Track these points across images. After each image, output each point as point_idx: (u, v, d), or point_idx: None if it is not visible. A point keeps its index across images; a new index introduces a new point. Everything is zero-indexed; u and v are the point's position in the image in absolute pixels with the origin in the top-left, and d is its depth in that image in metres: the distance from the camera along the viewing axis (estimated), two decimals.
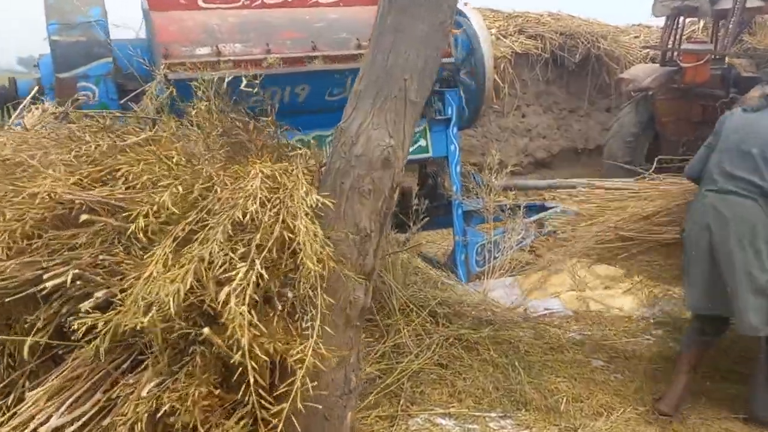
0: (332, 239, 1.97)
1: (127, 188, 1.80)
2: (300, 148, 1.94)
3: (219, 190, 1.62)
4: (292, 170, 1.77)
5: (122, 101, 3.52)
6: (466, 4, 6.02)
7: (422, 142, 4.60)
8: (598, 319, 4.64)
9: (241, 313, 1.34)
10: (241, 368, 1.48)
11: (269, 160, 1.83)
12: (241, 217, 1.51)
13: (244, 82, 2.00)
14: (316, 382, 1.67)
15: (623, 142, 6.93)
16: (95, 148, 1.92)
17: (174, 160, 1.76)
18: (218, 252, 1.43)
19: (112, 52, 3.79)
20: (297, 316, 1.68)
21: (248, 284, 1.40)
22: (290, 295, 1.62)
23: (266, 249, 1.50)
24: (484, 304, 4.22)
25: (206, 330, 1.36)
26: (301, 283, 1.64)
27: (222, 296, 1.36)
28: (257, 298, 1.50)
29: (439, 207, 5.01)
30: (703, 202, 3.00)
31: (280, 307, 1.59)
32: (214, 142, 1.92)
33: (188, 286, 1.36)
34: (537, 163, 8.81)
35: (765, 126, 2.93)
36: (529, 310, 4.60)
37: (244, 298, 1.38)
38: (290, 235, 1.56)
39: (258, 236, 1.48)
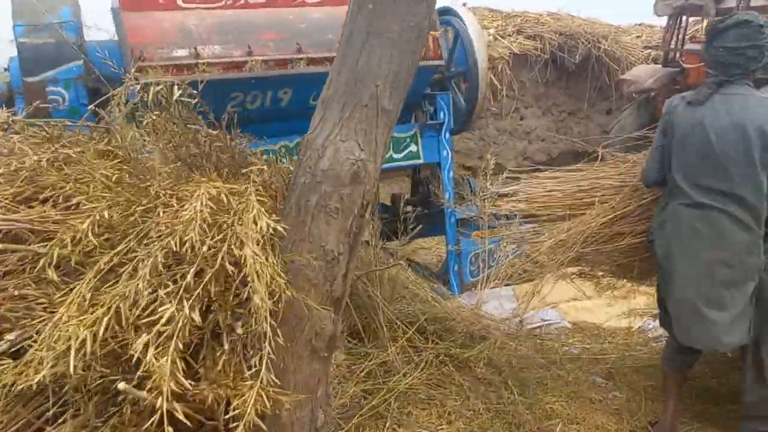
0: (295, 264, 1.78)
1: (66, 209, 1.61)
2: (257, 162, 1.74)
3: (161, 213, 1.43)
4: (244, 189, 1.57)
5: (89, 107, 3.33)
6: (464, 4, 5.84)
7: (413, 148, 4.41)
8: (597, 331, 4.46)
9: (162, 366, 1.15)
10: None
11: (221, 177, 1.63)
12: (177, 246, 1.31)
13: (177, 90, 1.79)
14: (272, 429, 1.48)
15: (624, 144, 6.72)
16: (34, 162, 1.72)
17: (114, 178, 1.57)
18: (144, 289, 1.23)
19: (84, 55, 3.61)
20: (250, 353, 1.48)
21: (177, 328, 1.21)
22: (239, 330, 1.43)
23: (203, 284, 1.30)
24: (476, 318, 4.03)
25: (121, 385, 1.17)
26: (253, 318, 1.44)
27: (139, 345, 1.16)
28: (193, 339, 1.31)
29: (433, 214, 4.83)
30: (678, 219, 2.65)
31: (227, 346, 1.40)
32: (169, 155, 1.73)
33: (105, 331, 1.17)
34: (536, 167, 8.59)
35: (722, 125, 2.50)
36: (525, 322, 4.41)
37: (171, 345, 1.19)
38: (233, 267, 1.37)
39: (192, 270, 1.29)
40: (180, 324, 1.25)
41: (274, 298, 1.56)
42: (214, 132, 1.72)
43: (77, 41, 3.63)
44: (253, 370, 1.45)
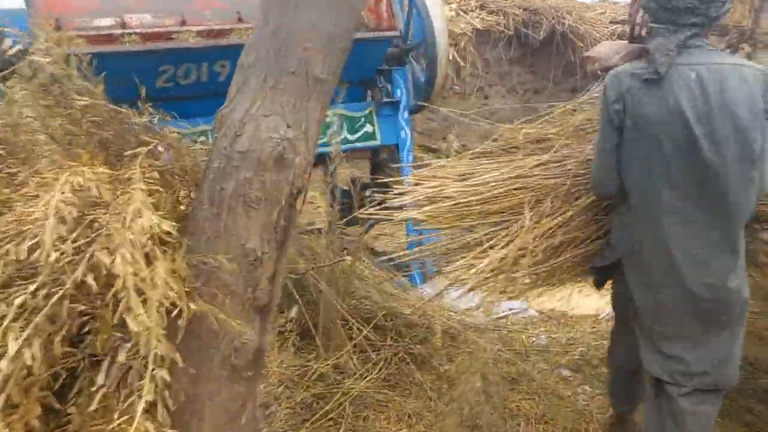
0: (207, 266, 1.45)
1: None
2: (154, 141, 1.40)
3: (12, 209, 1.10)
4: (130, 177, 1.24)
5: None
6: None
7: (369, 128, 4.09)
8: (564, 320, 4.24)
9: None
10: None
11: (98, 161, 1.30)
12: (24, 254, 0.99)
13: None
14: None
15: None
16: None
17: None
18: None
19: None
20: (139, 383, 1.16)
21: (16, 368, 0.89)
22: (122, 357, 1.11)
23: (64, 303, 0.98)
24: (439, 310, 3.77)
25: None
26: (142, 340, 1.12)
27: None
28: (60, 371, 1.00)
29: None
30: (661, 240, 1.97)
31: (101, 378, 1.08)
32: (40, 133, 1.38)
33: None
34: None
35: (705, 110, 1.85)
36: (490, 312, 4.18)
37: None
38: (97, 277, 1.05)
39: (33, 287, 0.96)
40: (30, 356, 0.93)
41: (174, 312, 1.24)
42: (100, 104, 1.38)
43: None
44: (143, 404, 1.13)
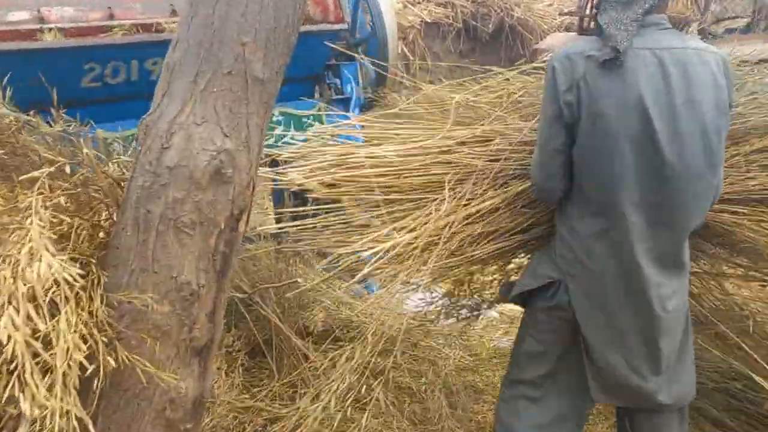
0: (131, 306, 1.22)
1: None
2: (60, 159, 1.15)
3: None
4: (27, 205, 1.00)
5: None
6: None
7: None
8: None
9: None
10: None
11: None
12: None
13: None
14: None
15: None
16: None
17: None
18: None
19: None
20: None
21: None
22: (23, 430, 0.88)
23: None
24: (397, 317, 3.59)
25: None
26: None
27: None
28: None
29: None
30: (613, 256, 1.72)
31: None
32: None
33: None
34: None
35: (668, 102, 1.61)
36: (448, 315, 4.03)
37: None
38: None
39: None
40: None
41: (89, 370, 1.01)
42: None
43: None
44: None
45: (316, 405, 2.78)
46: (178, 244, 1.27)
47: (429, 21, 7.38)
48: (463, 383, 3.12)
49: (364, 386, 2.96)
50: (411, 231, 1.83)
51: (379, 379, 3.04)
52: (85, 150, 1.16)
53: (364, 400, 2.94)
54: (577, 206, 1.76)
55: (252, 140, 1.37)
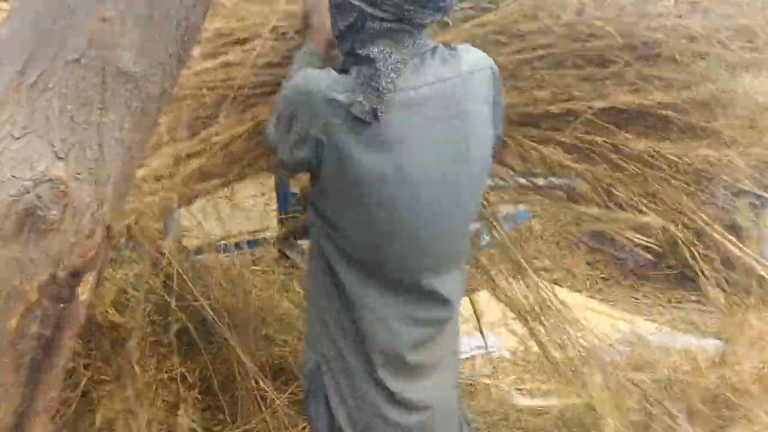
0: None
1: None
2: None
3: None
4: None
5: None
6: None
7: None
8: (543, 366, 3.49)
9: None
10: None
11: None
12: None
13: None
14: None
15: None
16: None
17: None
18: None
19: None
20: None
21: None
22: None
23: None
24: None
25: None
26: None
27: None
28: None
29: None
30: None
31: None
32: None
33: None
34: None
35: (428, 166, 1.22)
36: None
37: None
38: None
39: None
40: None
41: None
42: None
43: None
44: None
45: None
46: None
47: None
48: None
49: None
50: None
51: None
52: None
53: None
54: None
55: (107, 165, 0.92)
